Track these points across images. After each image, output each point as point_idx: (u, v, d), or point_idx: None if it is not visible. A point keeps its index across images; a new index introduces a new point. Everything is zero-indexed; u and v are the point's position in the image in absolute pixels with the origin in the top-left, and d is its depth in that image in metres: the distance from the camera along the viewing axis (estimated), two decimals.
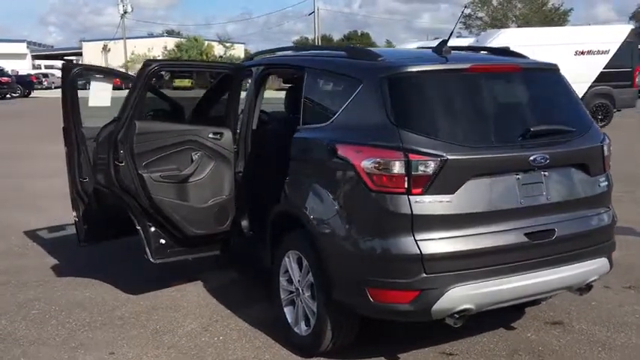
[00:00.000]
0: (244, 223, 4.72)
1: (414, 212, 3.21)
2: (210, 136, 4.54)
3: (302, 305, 3.89)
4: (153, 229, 4.42)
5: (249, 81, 4.84)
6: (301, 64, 4.26)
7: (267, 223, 4.24)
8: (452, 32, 3.82)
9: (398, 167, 3.22)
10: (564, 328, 4.24)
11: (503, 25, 52.18)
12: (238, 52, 63.99)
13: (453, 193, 3.25)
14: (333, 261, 3.50)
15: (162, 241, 4.45)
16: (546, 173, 3.49)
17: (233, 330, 4.26)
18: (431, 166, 3.21)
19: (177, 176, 4.39)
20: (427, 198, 3.22)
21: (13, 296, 4.95)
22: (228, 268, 5.45)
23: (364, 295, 3.34)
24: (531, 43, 13.93)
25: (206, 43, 60.00)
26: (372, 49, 3.97)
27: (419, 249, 3.20)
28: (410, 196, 3.22)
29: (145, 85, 4.22)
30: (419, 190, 3.22)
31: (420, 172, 3.20)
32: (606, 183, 3.78)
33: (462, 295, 3.26)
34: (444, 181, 3.23)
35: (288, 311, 4.05)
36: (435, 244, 3.23)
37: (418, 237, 3.22)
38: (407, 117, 3.34)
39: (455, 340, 4.04)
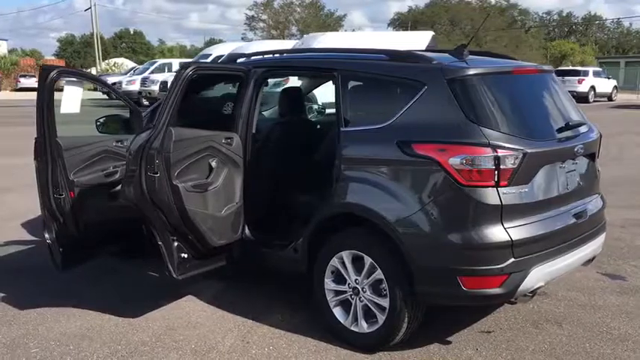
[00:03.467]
0: (250, 230, 4.57)
1: (503, 202, 3.52)
2: (223, 141, 4.35)
3: (361, 304, 3.96)
4: (176, 243, 4.10)
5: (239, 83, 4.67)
6: (332, 67, 4.27)
7: (302, 227, 4.21)
8: (472, 37, 4.16)
9: (488, 162, 3.49)
10: (552, 297, 4.87)
11: (285, 27, 54.55)
12: (2, 49, 57.74)
13: (528, 183, 3.63)
14: (418, 255, 3.64)
15: (184, 255, 4.16)
16: (577, 162, 4.04)
17: (275, 338, 4.14)
18: (515, 160, 3.54)
19: (204, 185, 4.13)
20: (512, 189, 3.55)
21: None
22: (210, 277, 5.16)
23: (455, 284, 3.56)
24: (351, 45, 14.88)
25: None
26: (414, 51, 4.12)
27: (509, 236, 3.52)
28: (499, 188, 3.52)
29: (182, 90, 3.89)
30: (505, 182, 3.53)
31: (506, 166, 3.52)
32: (599, 170, 4.46)
33: (539, 275, 3.66)
34: (523, 172, 3.59)
35: (338, 312, 4.08)
36: (520, 230, 3.58)
37: (507, 225, 3.54)
38: (485, 115, 3.62)
39: (482, 318, 4.43)
